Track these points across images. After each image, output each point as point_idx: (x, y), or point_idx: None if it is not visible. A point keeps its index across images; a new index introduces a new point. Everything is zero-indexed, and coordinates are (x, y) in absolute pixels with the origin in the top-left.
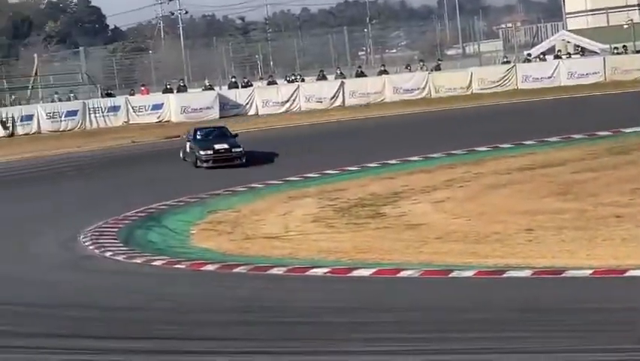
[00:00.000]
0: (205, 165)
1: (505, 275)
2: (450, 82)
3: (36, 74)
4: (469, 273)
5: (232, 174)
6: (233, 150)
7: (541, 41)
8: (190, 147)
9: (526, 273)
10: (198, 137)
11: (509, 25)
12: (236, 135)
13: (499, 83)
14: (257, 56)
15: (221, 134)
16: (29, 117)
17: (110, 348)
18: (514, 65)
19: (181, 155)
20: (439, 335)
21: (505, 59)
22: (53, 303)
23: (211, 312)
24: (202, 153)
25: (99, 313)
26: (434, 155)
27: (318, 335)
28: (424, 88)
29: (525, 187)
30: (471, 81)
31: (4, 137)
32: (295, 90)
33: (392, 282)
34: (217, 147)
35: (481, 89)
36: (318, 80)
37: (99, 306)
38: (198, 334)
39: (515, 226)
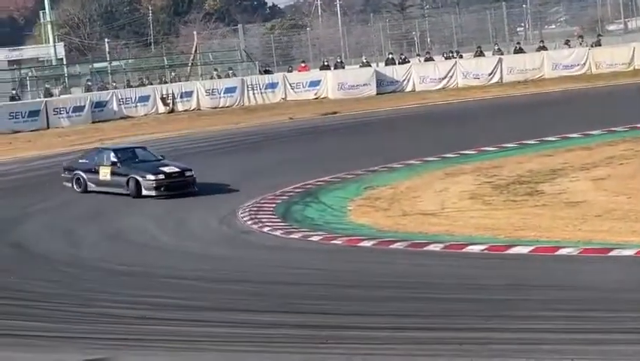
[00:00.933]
0: (155, 192)
1: None
2: (611, 58)
3: (195, 51)
4: (630, 252)
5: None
6: (186, 173)
7: None
8: (116, 173)
9: None
10: (124, 159)
11: None
12: (163, 157)
13: None
14: (414, 33)
15: (149, 155)
16: (189, 94)
17: (266, 322)
18: None
19: (76, 187)
20: (594, 313)
21: None
22: (214, 277)
23: (366, 287)
24: (151, 177)
25: (257, 288)
26: (594, 132)
27: (475, 311)
28: (584, 64)
29: None
30: (633, 57)
31: (164, 113)
32: (453, 67)
33: (550, 260)
34: (167, 170)
35: None
36: (475, 56)
37: (257, 280)
38: (351, 309)
39: None
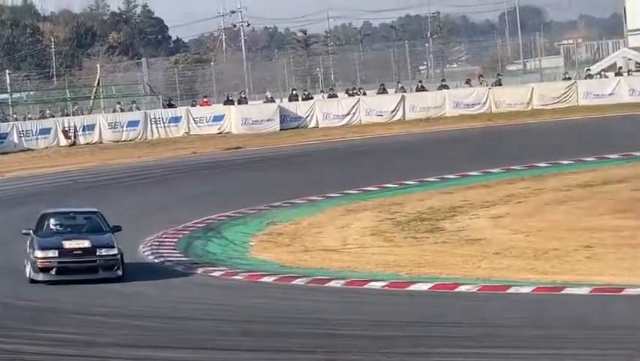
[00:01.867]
0: (42, 276)
1: (563, 292)
2: (510, 97)
3: (98, 84)
4: (528, 289)
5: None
6: (98, 251)
7: (603, 58)
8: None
9: (585, 290)
10: (46, 226)
11: (570, 41)
12: (117, 229)
13: (560, 99)
14: (318, 69)
15: (86, 224)
16: (91, 127)
17: (167, 358)
18: (575, 82)
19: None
20: (494, 350)
21: (566, 76)
22: (112, 312)
23: (267, 323)
24: (38, 254)
25: (158, 323)
26: (493, 170)
27: (377, 348)
28: (484, 103)
29: (584, 204)
30: (531, 97)
31: (65, 146)
32: (356, 103)
33: (450, 296)
34: (68, 245)
35: (542, 105)
36: (378, 93)
37: (158, 316)
38: (252, 345)
39: (574, 242)
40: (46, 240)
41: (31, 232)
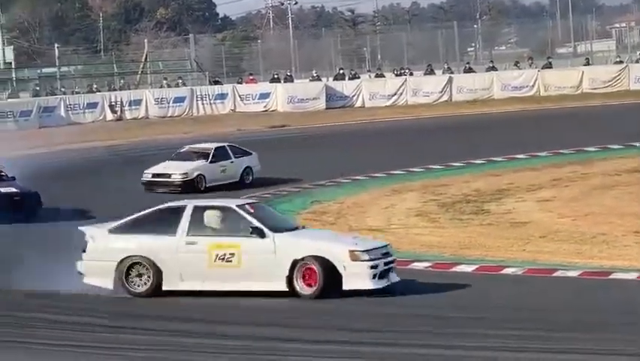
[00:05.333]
0: None
1: (611, 277)
2: (560, 80)
3: (146, 59)
4: (574, 273)
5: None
6: None
7: None
8: None
9: (633, 275)
10: None
11: (623, 25)
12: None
13: (611, 83)
14: (365, 49)
15: None
16: (137, 102)
17: None
18: (627, 66)
19: None
20: (541, 333)
21: (617, 59)
22: None
23: None
24: None
25: None
26: (541, 153)
27: (426, 328)
28: (532, 86)
29: (634, 189)
30: (581, 80)
31: (111, 120)
32: (402, 84)
33: (495, 279)
34: None
35: (592, 88)
36: (425, 74)
37: None
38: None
39: (622, 228)
40: None
41: None
